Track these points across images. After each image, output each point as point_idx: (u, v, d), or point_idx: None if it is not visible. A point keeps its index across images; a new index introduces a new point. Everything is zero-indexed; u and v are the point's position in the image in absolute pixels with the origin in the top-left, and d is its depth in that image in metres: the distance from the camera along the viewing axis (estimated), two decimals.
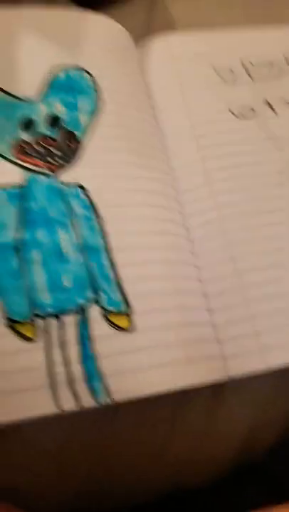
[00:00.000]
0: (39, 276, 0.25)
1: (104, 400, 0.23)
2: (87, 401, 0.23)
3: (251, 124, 0.34)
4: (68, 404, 0.23)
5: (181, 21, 0.38)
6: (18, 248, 0.25)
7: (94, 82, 0.31)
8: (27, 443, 0.25)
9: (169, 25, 0.38)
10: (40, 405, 0.23)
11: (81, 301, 0.25)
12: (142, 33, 0.38)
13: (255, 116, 0.35)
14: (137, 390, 0.24)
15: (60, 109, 0.30)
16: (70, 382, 0.24)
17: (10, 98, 0.29)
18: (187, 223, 0.30)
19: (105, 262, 0.26)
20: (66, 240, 0.26)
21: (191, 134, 0.33)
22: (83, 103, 0.30)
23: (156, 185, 0.30)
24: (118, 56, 0.33)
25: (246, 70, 0.37)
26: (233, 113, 0.34)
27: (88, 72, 0.31)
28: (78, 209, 0.27)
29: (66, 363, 0.24)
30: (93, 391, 0.24)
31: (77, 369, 0.24)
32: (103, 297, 0.25)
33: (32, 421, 0.22)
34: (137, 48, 0.36)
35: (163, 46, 0.36)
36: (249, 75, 0.37)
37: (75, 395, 0.23)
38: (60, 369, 0.24)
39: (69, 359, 0.24)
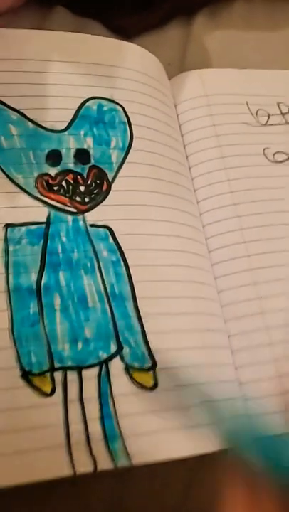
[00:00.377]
0: (59, 325, 0.23)
1: (122, 462, 0.22)
2: (105, 463, 0.22)
3: (284, 169, 0.33)
4: (85, 467, 0.22)
5: (217, 55, 0.37)
6: (39, 293, 0.24)
7: (126, 116, 0.30)
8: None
9: (203, 59, 0.37)
10: (55, 466, 0.21)
11: (103, 354, 0.23)
12: (176, 64, 0.37)
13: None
14: (157, 453, 0.22)
15: (89, 144, 0.28)
16: (88, 442, 0.22)
17: (39, 129, 0.28)
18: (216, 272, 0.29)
19: (131, 312, 0.25)
20: (91, 286, 0.25)
21: (223, 176, 0.32)
22: (115, 138, 0.29)
23: (186, 229, 0.28)
24: (151, 89, 0.32)
25: (282, 113, 0.36)
26: (266, 157, 0.33)
27: (121, 106, 0.30)
28: (105, 252, 0.26)
29: (84, 420, 0.22)
30: (111, 452, 0.22)
31: (95, 428, 0.22)
32: (127, 351, 0.24)
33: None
34: (170, 81, 0.35)
35: (197, 81, 0.35)
36: (284, 117, 0.36)
37: (92, 456, 0.22)
38: (77, 427, 0.22)
39: (88, 417, 0.22)
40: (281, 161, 0.34)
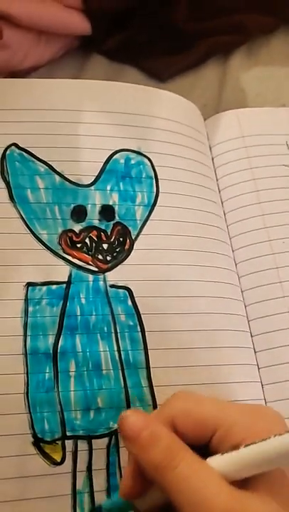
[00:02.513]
0: (73, 392, 0.24)
1: None
2: None
3: None
4: None
5: (254, 94, 0.36)
6: (55, 357, 0.24)
7: (154, 170, 0.29)
8: None
9: (240, 99, 0.36)
10: None
11: (114, 425, 0.24)
12: (211, 105, 0.36)
13: None
14: None
15: (115, 199, 0.28)
16: None
17: (66, 183, 0.28)
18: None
19: (144, 382, 0.24)
20: (106, 352, 0.25)
21: (260, 223, 0.30)
22: (140, 194, 0.28)
23: (216, 288, 0.27)
24: (183, 137, 0.31)
25: None
26: None
27: (149, 159, 0.29)
28: (123, 316, 0.26)
29: (92, 491, 0.23)
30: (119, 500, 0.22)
31: (102, 500, 0.23)
32: None
33: None
34: (205, 122, 0.34)
35: (233, 121, 0.34)
36: None
37: None
38: (85, 498, 0.22)
39: (95, 489, 0.23)
40: None
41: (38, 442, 0.23)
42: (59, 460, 0.23)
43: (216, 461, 0.18)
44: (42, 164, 0.28)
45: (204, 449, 0.19)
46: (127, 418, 0.19)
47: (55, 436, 0.23)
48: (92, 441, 0.23)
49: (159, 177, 0.29)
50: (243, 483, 0.18)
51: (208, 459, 0.19)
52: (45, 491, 0.22)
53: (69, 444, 0.23)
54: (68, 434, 0.23)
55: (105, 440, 0.23)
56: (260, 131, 0.33)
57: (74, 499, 0.22)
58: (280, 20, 0.37)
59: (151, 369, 0.24)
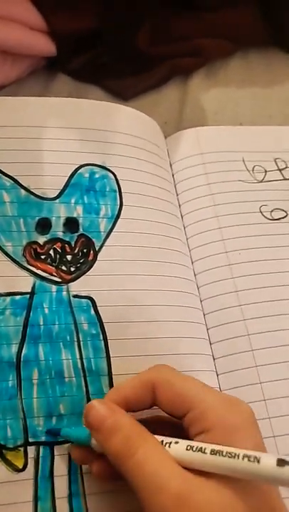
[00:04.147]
0: (36, 399, 0.24)
1: None
2: None
3: (281, 227, 0.33)
4: None
5: (213, 113, 0.38)
6: (18, 365, 0.25)
7: (118, 184, 0.30)
8: None
9: (200, 117, 0.37)
10: None
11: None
12: (172, 123, 0.38)
13: (287, 218, 0.34)
14: None
15: (79, 212, 0.29)
16: None
17: (31, 196, 0.29)
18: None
19: (106, 389, 0.25)
20: (68, 360, 0.25)
21: (218, 236, 0.32)
22: (104, 207, 0.29)
23: (175, 297, 0.28)
24: (146, 152, 0.32)
25: (279, 168, 0.36)
26: (263, 215, 0.33)
27: (113, 173, 0.31)
28: (85, 325, 0.26)
29: (53, 498, 0.23)
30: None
31: (63, 507, 0.23)
32: None
33: None
34: (166, 139, 0.36)
35: (192, 139, 0.35)
36: (282, 173, 0.36)
37: None
38: (46, 506, 0.23)
39: (56, 494, 0.23)
40: (278, 219, 0.34)
41: (0, 449, 0.23)
42: (21, 466, 0.23)
43: (179, 452, 0.19)
44: (7, 179, 0.29)
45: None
46: (93, 408, 0.20)
47: (18, 443, 0.23)
48: (55, 447, 0.24)
49: (122, 190, 0.30)
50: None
51: (171, 446, 0.19)
52: (7, 498, 0.22)
53: (31, 450, 0.23)
54: (31, 440, 0.23)
55: (67, 446, 0.24)
56: (218, 148, 0.35)
57: (35, 506, 0.22)
58: (237, 45, 0.40)
59: (113, 376, 0.25)
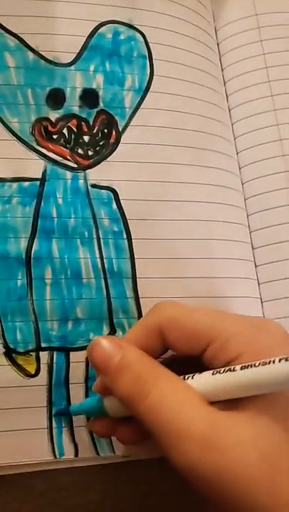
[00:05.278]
0: (49, 301, 0.21)
1: (105, 452, 0.21)
2: (87, 451, 0.21)
3: None
4: (66, 453, 0.21)
5: None
6: (28, 263, 0.21)
7: (148, 48, 0.24)
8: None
9: None
10: (36, 450, 0.20)
11: (94, 337, 0.20)
12: None
13: None
14: (142, 448, 0.21)
15: (100, 82, 0.23)
16: (71, 427, 0.21)
17: (41, 61, 0.23)
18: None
19: (129, 293, 0.22)
20: (87, 259, 0.22)
21: (272, 121, 0.26)
22: (130, 77, 0.24)
23: (215, 193, 0.24)
24: (184, 9, 0.25)
25: None
26: None
27: (142, 34, 0.24)
28: (106, 221, 0.22)
29: (68, 405, 0.21)
30: (94, 440, 0.21)
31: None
32: (120, 335, 0.21)
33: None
34: None
35: None
36: None
37: (75, 443, 0.21)
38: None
39: (73, 400, 0.21)
40: None
41: (9, 353, 0.20)
42: (33, 372, 0.20)
43: (203, 380, 0.16)
44: (12, 38, 0.23)
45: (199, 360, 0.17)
46: (97, 345, 0.17)
47: (29, 347, 0.21)
48: (70, 353, 0.21)
49: (153, 56, 0.24)
50: (228, 402, 0.16)
51: (194, 377, 0.16)
52: (19, 402, 0.20)
53: (44, 356, 0.21)
54: (43, 345, 0.21)
55: (84, 353, 0.21)
56: (278, 7, 0.28)
57: (50, 411, 0.20)
58: None
59: (137, 279, 0.22)
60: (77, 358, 0.21)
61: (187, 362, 0.18)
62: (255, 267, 0.25)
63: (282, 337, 0.17)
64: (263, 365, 0.16)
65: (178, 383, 0.17)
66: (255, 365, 0.16)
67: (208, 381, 0.17)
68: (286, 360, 0.15)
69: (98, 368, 0.17)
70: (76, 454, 0.21)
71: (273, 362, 0.15)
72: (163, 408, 0.16)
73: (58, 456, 0.20)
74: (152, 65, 0.24)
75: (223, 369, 0.17)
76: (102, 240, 0.22)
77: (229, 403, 0.16)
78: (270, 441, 0.15)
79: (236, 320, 0.18)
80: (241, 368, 0.16)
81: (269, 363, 0.15)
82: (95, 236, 0.22)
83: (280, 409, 0.16)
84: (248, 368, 0.16)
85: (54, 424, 0.20)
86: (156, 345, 0.18)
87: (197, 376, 0.17)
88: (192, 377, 0.17)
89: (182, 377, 0.17)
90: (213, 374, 0.17)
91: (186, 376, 0.17)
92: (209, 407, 0.16)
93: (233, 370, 0.16)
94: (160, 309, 0.18)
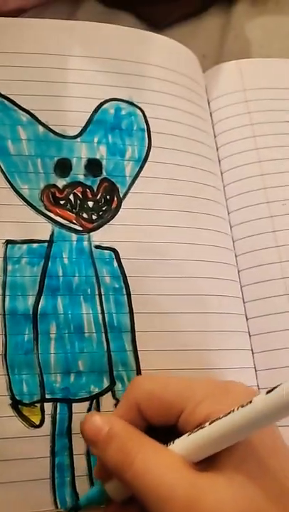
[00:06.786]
0: (53, 355, 0.23)
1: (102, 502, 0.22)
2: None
3: None
4: (67, 503, 0.22)
5: (258, 45, 0.33)
6: (35, 318, 0.23)
7: (146, 122, 0.27)
8: None
9: (243, 49, 0.33)
10: (38, 500, 0.21)
11: (95, 389, 0.23)
12: (212, 56, 0.33)
13: None
14: None
15: (103, 153, 0.26)
16: (73, 477, 0.22)
17: (50, 134, 0.26)
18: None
19: (128, 346, 0.23)
20: (89, 314, 0.23)
21: (260, 183, 0.28)
22: (130, 148, 0.26)
23: (208, 251, 0.26)
24: (180, 87, 0.28)
25: None
26: None
27: (141, 109, 0.27)
28: (108, 278, 0.24)
29: (71, 455, 0.22)
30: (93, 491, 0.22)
31: (81, 464, 0.22)
32: (119, 387, 0.23)
33: None
34: (204, 74, 0.32)
35: (234, 73, 0.31)
36: None
37: (76, 493, 0.22)
38: (63, 461, 0.22)
39: (74, 452, 0.22)
40: None
41: (16, 404, 0.22)
42: (38, 423, 0.22)
43: (180, 443, 0.18)
44: (24, 113, 0.26)
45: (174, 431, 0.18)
46: (88, 420, 0.18)
47: (34, 399, 0.22)
48: (73, 405, 0.22)
49: (151, 130, 0.27)
50: (208, 462, 0.17)
51: (173, 443, 0.18)
52: (24, 453, 0.21)
53: (48, 407, 0.22)
54: (47, 396, 0.22)
55: (86, 404, 0.22)
56: (263, 84, 0.31)
57: (53, 462, 0.22)
58: None
59: (136, 333, 0.23)
60: (79, 409, 0.22)
61: (168, 431, 0.19)
62: (247, 319, 0.27)
63: (245, 395, 0.18)
64: (225, 415, 0.17)
65: (160, 450, 0.18)
66: (219, 418, 0.17)
67: (184, 443, 0.18)
68: (242, 406, 0.16)
69: (89, 441, 0.18)
70: (77, 506, 0.22)
71: (233, 411, 0.17)
72: (147, 475, 0.17)
73: (59, 507, 0.21)
74: (150, 137, 0.27)
75: (196, 429, 0.18)
76: (103, 296, 0.24)
77: (209, 462, 0.17)
78: (247, 499, 0.16)
79: (204, 385, 0.19)
80: (209, 424, 0.17)
81: (229, 413, 0.17)
82: (97, 293, 0.24)
83: (254, 463, 0.17)
84: (214, 421, 0.17)
85: (56, 474, 0.22)
86: (137, 419, 0.19)
87: (177, 440, 0.18)
88: (173, 443, 0.18)
89: (166, 444, 0.18)
90: (188, 435, 0.18)
91: (169, 443, 0.18)
92: (190, 470, 0.17)
93: (203, 427, 0.17)
94: (134, 386, 0.19)
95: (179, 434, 0.18)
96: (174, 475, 0.17)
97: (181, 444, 0.17)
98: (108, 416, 0.19)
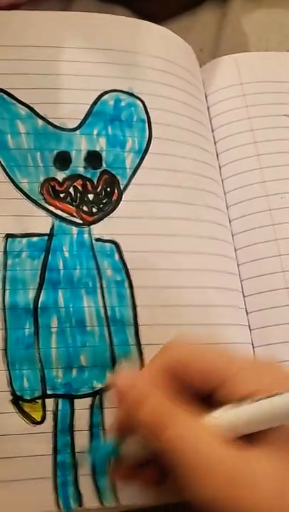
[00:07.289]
0: (55, 349, 0.22)
1: (109, 502, 0.21)
2: (91, 501, 0.21)
3: None
4: (70, 503, 0.21)
5: (256, 39, 0.33)
6: (36, 312, 0.22)
7: (147, 113, 0.27)
8: None
9: (240, 43, 0.33)
10: (40, 500, 0.21)
11: (98, 384, 0.22)
12: (209, 50, 0.33)
13: None
14: (147, 496, 0.21)
15: (102, 145, 0.26)
16: (76, 476, 0.21)
17: (49, 127, 0.25)
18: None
19: (131, 340, 0.23)
20: (91, 308, 0.23)
21: (258, 177, 0.28)
22: (131, 139, 0.26)
23: (209, 244, 0.25)
24: (178, 79, 0.28)
25: None
26: None
27: (141, 100, 0.27)
28: (109, 271, 0.24)
29: (73, 452, 0.21)
30: (98, 490, 0.21)
31: (84, 461, 0.21)
32: None
33: None
34: (201, 68, 0.31)
35: (231, 67, 0.31)
36: None
37: (79, 492, 0.21)
38: (66, 459, 0.21)
39: (76, 449, 0.21)
40: None
41: (17, 400, 0.21)
42: (39, 419, 0.21)
43: (219, 416, 0.17)
44: (23, 107, 0.25)
45: (208, 399, 0.18)
46: (121, 376, 0.18)
47: (35, 395, 0.21)
48: (75, 400, 0.22)
49: (152, 121, 0.26)
50: (246, 439, 0.17)
51: (211, 414, 0.17)
52: (25, 450, 0.21)
53: (50, 403, 0.22)
54: (49, 392, 0.22)
55: (88, 400, 0.22)
56: (261, 77, 0.31)
57: (55, 459, 0.21)
58: None
59: (139, 326, 0.23)
60: (81, 405, 0.22)
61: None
62: (247, 314, 0.27)
63: (287, 375, 0.18)
64: (275, 395, 0.16)
65: (200, 421, 0.17)
66: (264, 397, 0.17)
67: (232, 416, 0.17)
68: None
69: (118, 399, 0.18)
70: (80, 504, 0.21)
71: (282, 392, 0.16)
72: (186, 439, 0.16)
73: (61, 507, 0.21)
74: (151, 128, 0.26)
75: (242, 403, 0.17)
76: (105, 289, 0.23)
77: (250, 439, 0.17)
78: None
79: (245, 361, 0.19)
80: (257, 400, 0.17)
81: (282, 393, 0.16)
82: (98, 286, 0.23)
83: None
84: (264, 399, 0.17)
85: (58, 473, 0.21)
86: (164, 385, 0.19)
87: (219, 411, 0.17)
88: (214, 413, 0.17)
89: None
90: (232, 409, 0.17)
91: (208, 413, 0.18)
92: (232, 443, 0.17)
93: (254, 401, 0.17)
94: (167, 352, 0.19)
95: (212, 405, 0.17)
96: (217, 445, 0.16)
97: (220, 418, 0.17)
98: (137, 376, 0.18)
